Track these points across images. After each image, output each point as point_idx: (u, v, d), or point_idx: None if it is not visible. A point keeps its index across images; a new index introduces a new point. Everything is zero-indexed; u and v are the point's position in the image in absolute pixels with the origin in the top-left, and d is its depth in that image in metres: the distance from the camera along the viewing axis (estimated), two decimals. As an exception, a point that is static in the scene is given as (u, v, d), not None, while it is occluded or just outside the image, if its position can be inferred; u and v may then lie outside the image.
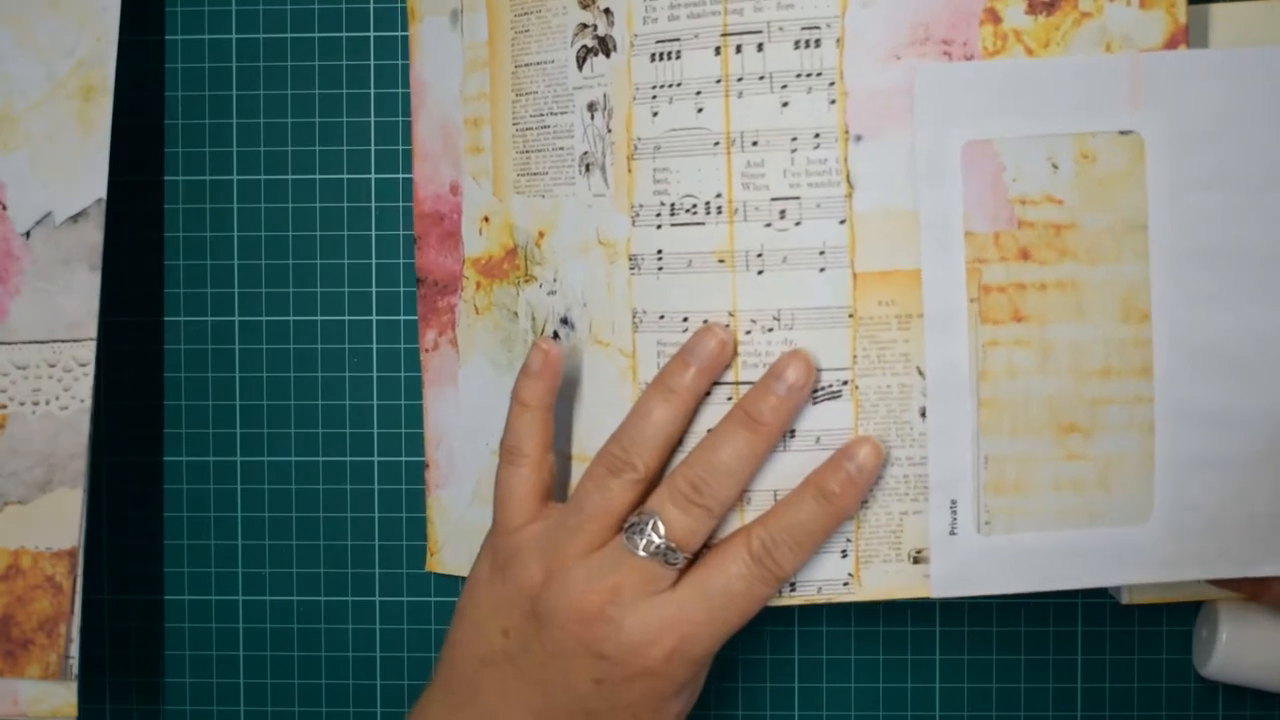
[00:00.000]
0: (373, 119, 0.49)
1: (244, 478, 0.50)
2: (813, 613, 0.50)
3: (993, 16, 0.41)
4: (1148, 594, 0.47)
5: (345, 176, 0.49)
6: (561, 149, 0.44)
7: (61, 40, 0.46)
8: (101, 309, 0.45)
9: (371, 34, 0.49)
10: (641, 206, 0.42)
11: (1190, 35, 0.42)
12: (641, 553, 0.39)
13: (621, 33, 0.42)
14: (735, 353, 0.41)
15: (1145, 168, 0.41)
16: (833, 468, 0.40)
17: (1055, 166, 0.41)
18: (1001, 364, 0.41)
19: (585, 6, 0.43)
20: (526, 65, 0.45)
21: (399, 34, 0.49)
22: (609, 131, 0.43)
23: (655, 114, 0.42)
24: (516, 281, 0.46)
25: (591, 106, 0.43)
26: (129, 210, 0.49)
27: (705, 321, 0.41)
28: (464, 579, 0.44)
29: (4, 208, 0.45)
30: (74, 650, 0.44)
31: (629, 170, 0.42)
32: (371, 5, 0.49)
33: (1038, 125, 0.41)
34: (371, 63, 0.49)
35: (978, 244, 0.41)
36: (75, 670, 0.44)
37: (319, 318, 0.50)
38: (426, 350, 0.48)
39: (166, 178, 0.49)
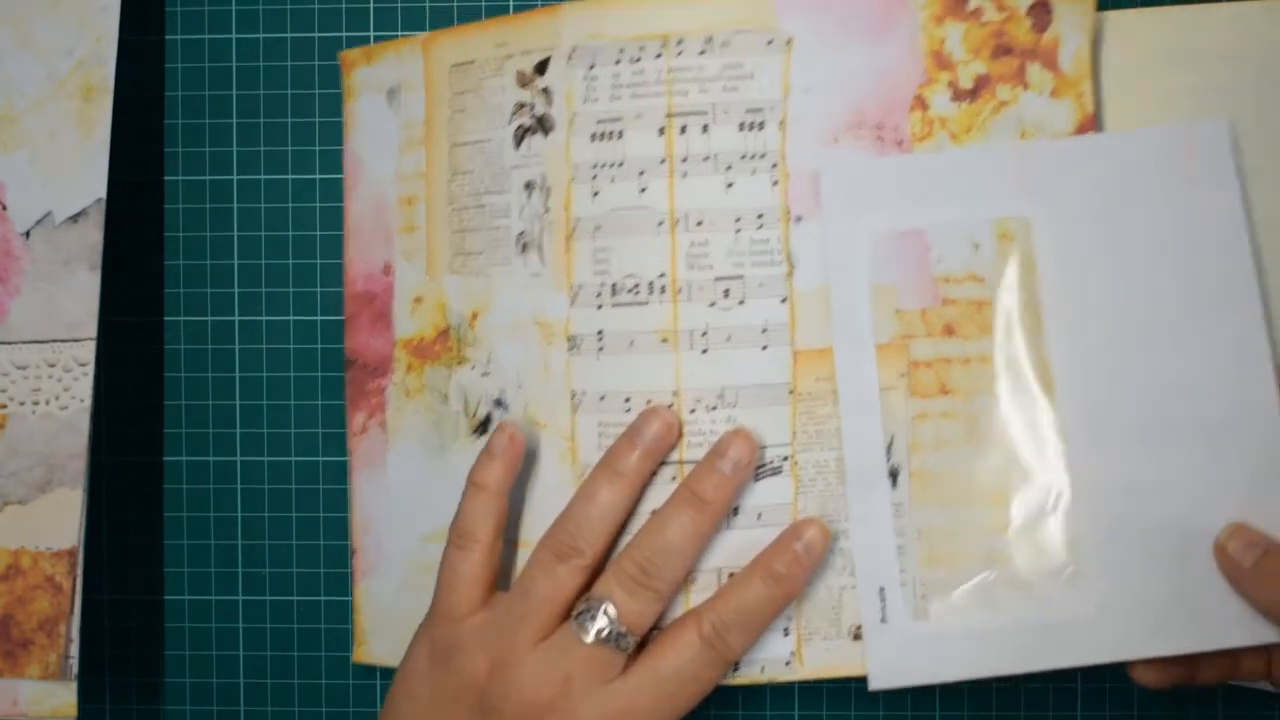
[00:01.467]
0: (373, 119, 0.49)
1: (244, 478, 0.50)
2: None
3: (921, 103, 0.43)
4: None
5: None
6: (498, 228, 0.44)
7: (61, 40, 0.46)
8: (101, 309, 0.45)
9: (371, 34, 0.49)
10: (581, 286, 0.43)
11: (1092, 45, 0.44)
12: (591, 639, 0.39)
13: (561, 111, 0.43)
14: (680, 434, 0.42)
15: (1034, 248, 0.42)
16: (780, 549, 0.40)
17: (976, 246, 0.42)
18: (930, 436, 0.42)
19: (524, 85, 0.43)
20: (464, 144, 0.45)
21: (398, 34, 0.49)
22: (546, 210, 0.43)
23: (596, 193, 0.42)
24: (449, 363, 0.45)
25: (529, 185, 0.43)
26: (129, 210, 0.49)
27: (649, 402, 0.42)
28: (394, 669, 0.43)
29: (4, 208, 0.45)
30: (74, 650, 0.44)
31: (567, 250, 0.43)
32: (371, 5, 0.49)
33: (934, 213, 0.42)
34: (371, 63, 0.49)
35: (906, 321, 0.42)
36: (75, 670, 0.44)
37: (319, 318, 0.50)
38: (354, 434, 0.47)
39: (166, 178, 0.49)
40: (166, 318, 0.49)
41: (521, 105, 0.43)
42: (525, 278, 0.44)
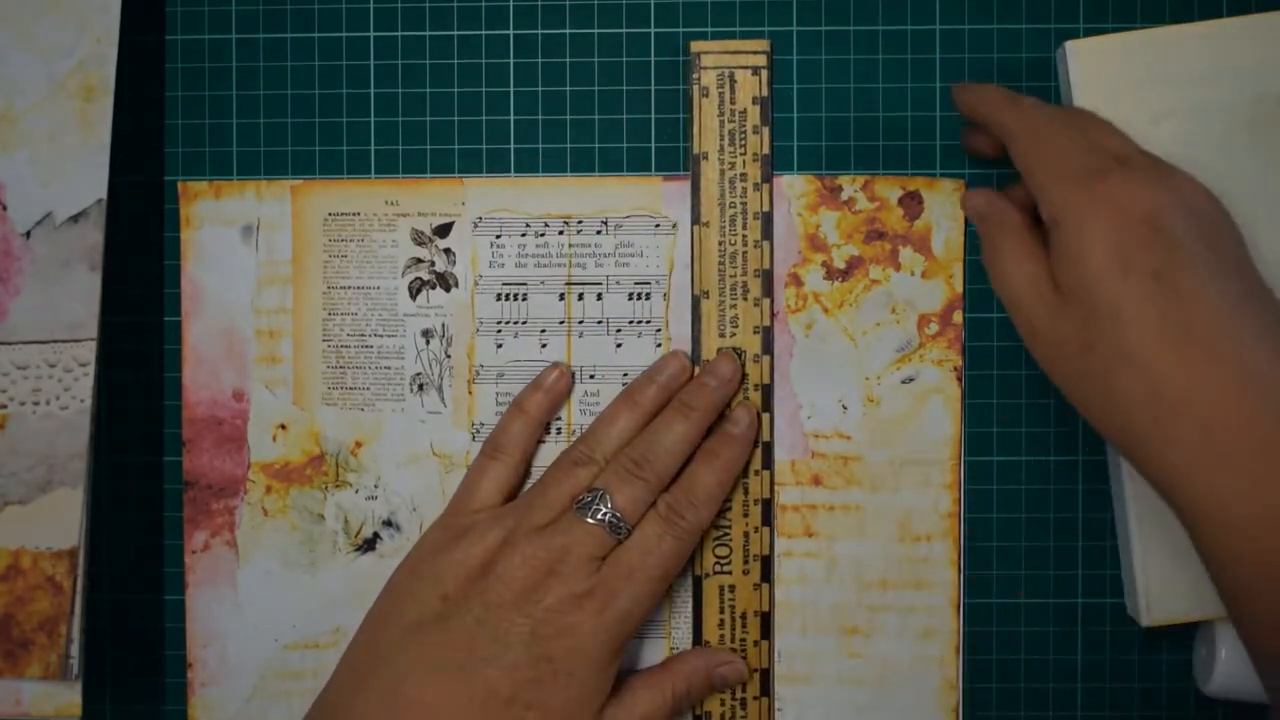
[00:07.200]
0: (372, 119, 0.49)
1: (244, 478, 0.50)
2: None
3: (796, 280, 0.48)
4: (1168, 616, 0.46)
5: (344, 178, 0.49)
6: (389, 368, 0.48)
7: (61, 40, 0.46)
8: (101, 309, 0.45)
9: (371, 34, 0.49)
10: (483, 424, 0.48)
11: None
12: (590, 519, 0.43)
13: (465, 271, 0.48)
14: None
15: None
16: (714, 435, 0.46)
17: (845, 408, 0.48)
18: (794, 572, 0.48)
19: (421, 243, 0.48)
20: (343, 288, 0.48)
21: (399, 34, 0.49)
22: (448, 357, 0.48)
23: (500, 345, 0.48)
24: (323, 486, 0.48)
25: (427, 333, 0.48)
26: (129, 210, 0.49)
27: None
28: None
29: (4, 208, 0.46)
30: (75, 650, 0.44)
31: (470, 392, 0.48)
32: (371, 5, 0.49)
33: None
34: (371, 63, 0.49)
35: (776, 469, 0.48)
36: (78, 670, 0.44)
37: (319, 318, 0.50)
38: (194, 552, 0.49)
39: (166, 178, 0.49)
40: (166, 318, 0.49)
41: (418, 261, 0.48)
42: (422, 414, 0.48)
